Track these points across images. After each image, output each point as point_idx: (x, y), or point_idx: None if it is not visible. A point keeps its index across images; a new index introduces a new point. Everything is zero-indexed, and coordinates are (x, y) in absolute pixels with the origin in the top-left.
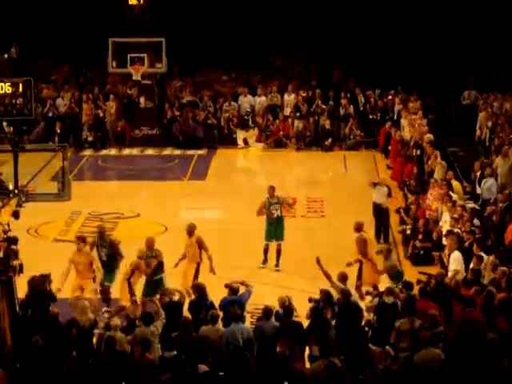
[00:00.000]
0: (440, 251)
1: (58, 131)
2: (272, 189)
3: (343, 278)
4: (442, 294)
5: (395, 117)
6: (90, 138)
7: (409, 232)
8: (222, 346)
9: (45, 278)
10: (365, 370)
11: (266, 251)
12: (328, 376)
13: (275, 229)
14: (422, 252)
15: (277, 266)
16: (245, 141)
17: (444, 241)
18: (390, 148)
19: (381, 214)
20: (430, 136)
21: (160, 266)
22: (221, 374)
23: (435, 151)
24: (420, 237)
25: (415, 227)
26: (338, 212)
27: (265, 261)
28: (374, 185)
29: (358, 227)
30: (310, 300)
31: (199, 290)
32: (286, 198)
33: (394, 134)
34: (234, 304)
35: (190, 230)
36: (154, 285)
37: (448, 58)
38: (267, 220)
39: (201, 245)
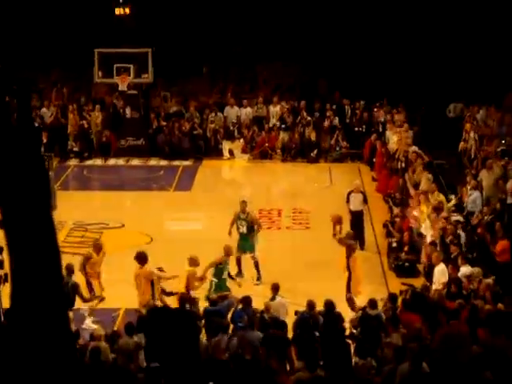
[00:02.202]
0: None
1: (45, 141)
2: (243, 203)
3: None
4: (425, 307)
5: (380, 129)
6: (75, 149)
7: (395, 245)
8: (206, 358)
9: None
10: (348, 381)
11: (238, 262)
12: None
13: (244, 243)
14: (406, 264)
15: (257, 279)
16: (230, 152)
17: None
18: (374, 160)
19: (357, 220)
20: (414, 148)
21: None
22: None
23: (420, 164)
24: (406, 249)
25: (401, 239)
26: (323, 224)
27: (239, 272)
28: (349, 194)
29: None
30: (296, 313)
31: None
32: (255, 218)
33: (378, 147)
34: (215, 315)
35: (99, 247)
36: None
37: (434, 71)
38: (238, 232)
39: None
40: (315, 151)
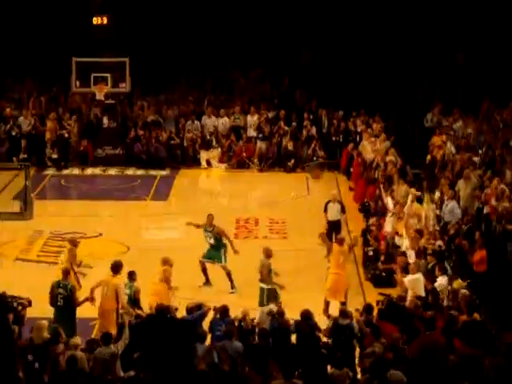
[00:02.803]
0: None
1: (23, 150)
2: (210, 217)
3: None
4: (400, 316)
5: (357, 139)
6: (53, 156)
7: (371, 253)
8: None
9: (20, 301)
10: None
11: (203, 271)
12: None
13: (212, 253)
14: (383, 274)
15: (232, 288)
16: (207, 162)
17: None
18: (352, 170)
19: (335, 230)
20: (391, 158)
21: None
22: None
23: (396, 172)
24: (382, 258)
25: (378, 249)
26: (300, 233)
27: (206, 282)
28: (326, 204)
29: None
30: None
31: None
32: (222, 231)
33: (355, 156)
34: (188, 324)
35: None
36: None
37: (412, 81)
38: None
39: None
40: (292, 161)
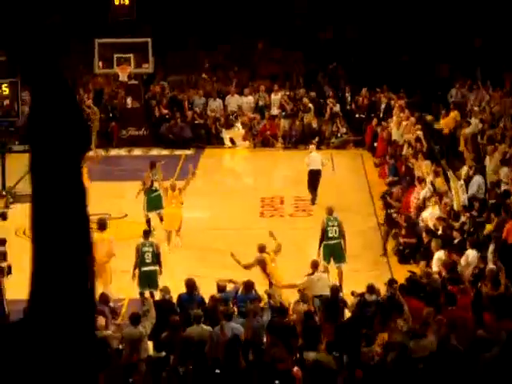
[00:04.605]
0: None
1: None
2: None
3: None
4: (421, 292)
5: (381, 115)
6: None
7: (395, 215)
8: (210, 345)
9: None
10: (356, 368)
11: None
12: (316, 374)
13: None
14: (407, 250)
15: None
16: (231, 140)
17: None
18: (376, 145)
19: (316, 178)
20: (418, 133)
21: None
22: (217, 371)
23: (420, 151)
24: (403, 232)
25: (400, 212)
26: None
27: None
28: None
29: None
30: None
31: (189, 285)
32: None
33: (380, 132)
34: (221, 302)
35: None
36: None
37: (434, 56)
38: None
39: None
40: (317, 138)
